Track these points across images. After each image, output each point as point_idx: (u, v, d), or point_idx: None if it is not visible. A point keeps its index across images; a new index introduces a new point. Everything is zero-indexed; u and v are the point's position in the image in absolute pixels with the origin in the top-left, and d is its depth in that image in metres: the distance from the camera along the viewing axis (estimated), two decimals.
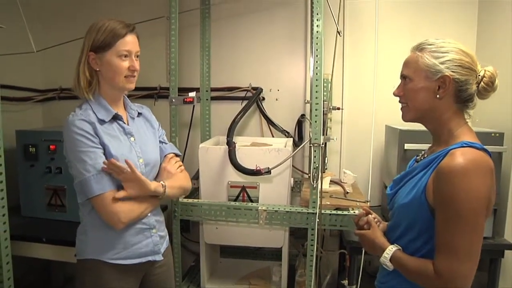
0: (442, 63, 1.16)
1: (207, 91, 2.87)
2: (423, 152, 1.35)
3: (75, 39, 2.67)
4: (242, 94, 2.99)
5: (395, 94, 1.29)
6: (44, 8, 3.13)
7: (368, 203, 2.30)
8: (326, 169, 2.62)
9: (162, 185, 1.55)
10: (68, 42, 2.45)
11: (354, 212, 2.13)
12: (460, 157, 1.08)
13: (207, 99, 2.87)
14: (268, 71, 2.98)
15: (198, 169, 2.39)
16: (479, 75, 1.17)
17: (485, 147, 1.15)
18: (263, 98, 2.98)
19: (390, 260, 1.21)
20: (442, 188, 1.09)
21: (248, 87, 2.97)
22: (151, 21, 2.56)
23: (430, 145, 1.32)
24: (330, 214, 2.14)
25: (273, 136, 2.94)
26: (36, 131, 2.61)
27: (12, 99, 2.83)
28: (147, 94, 3.06)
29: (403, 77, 1.26)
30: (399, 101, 1.29)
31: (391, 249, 1.22)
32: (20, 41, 2.48)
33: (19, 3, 2.27)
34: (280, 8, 2.92)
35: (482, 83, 1.17)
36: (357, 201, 2.29)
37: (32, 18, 2.52)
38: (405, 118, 1.29)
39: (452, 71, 1.16)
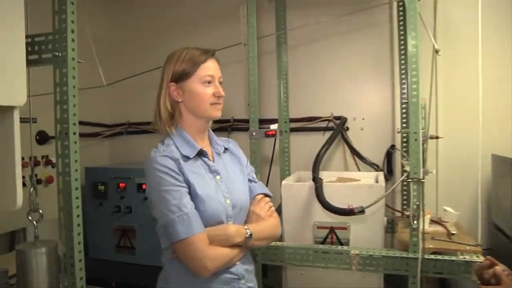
0: None
1: (285, 122, 2.85)
2: None
3: (145, 71, 2.87)
4: (323, 124, 2.96)
5: None
6: (113, 42, 3.31)
7: (480, 247, 2.12)
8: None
9: (247, 232, 1.48)
10: (137, 75, 2.54)
11: (464, 258, 1.98)
12: None
13: (286, 131, 2.85)
14: (351, 98, 2.95)
15: (279, 208, 2.34)
16: None
17: None
18: (347, 128, 2.93)
19: None
20: None
21: (329, 117, 2.94)
22: (226, 49, 2.60)
23: None
24: (434, 259, 2.00)
25: (359, 170, 2.87)
26: (105, 168, 2.70)
27: (81, 134, 2.96)
28: (220, 127, 3.09)
29: None
30: None
31: None
32: (87, 76, 2.61)
33: (90, 39, 2.38)
34: (362, 29, 2.90)
35: None
36: (466, 244, 2.12)
37: (101, 53, 2.64)
38: None
39: None
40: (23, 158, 2.18)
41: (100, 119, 3.27)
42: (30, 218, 1.73)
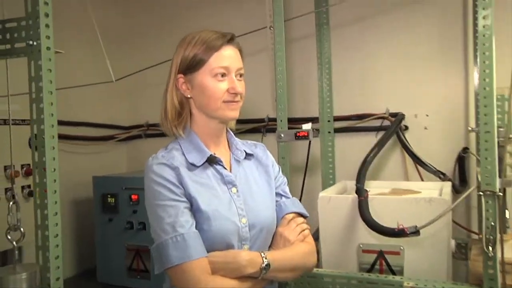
0: None
1: (329, 121, 2.70)
2: None
3: (162, 62, 2.67)
4: (377, 123, 2.80)
5: None
6: (122, 32, 3.25)
7: None
8: (508, 227, 2.21)
9: (263, 261, 1.28)
10: (153, 67, 2.41)
11: None
12: None
13: (329, 132, 2.69)
14: (411, 90, 2.76)
15: (318, 227, 2.19)
16: None
17: None
18: (406, 127, 2.74)
19: None
20: None
21: (384, 114, 2.76)
22: (254, 35, 2.48)
23: None
24: None
25: (422, 180, 2.66)
26: (115, 177, 2.62)
27: (89, 138, 2.87)
28: (253, 127, 3.00)
29: None
30: None
31: None
32: (96, 71, 2.50)
33: (97, 27, 2.29)
34: (423, 2, 2.68)
35: None
36: None
37: (110, 43, 2.56)
38: None
39: None
40: (13, 167, 2.11)
41: (114, 120, 3.21)
42: (9, 238, 1.62)
